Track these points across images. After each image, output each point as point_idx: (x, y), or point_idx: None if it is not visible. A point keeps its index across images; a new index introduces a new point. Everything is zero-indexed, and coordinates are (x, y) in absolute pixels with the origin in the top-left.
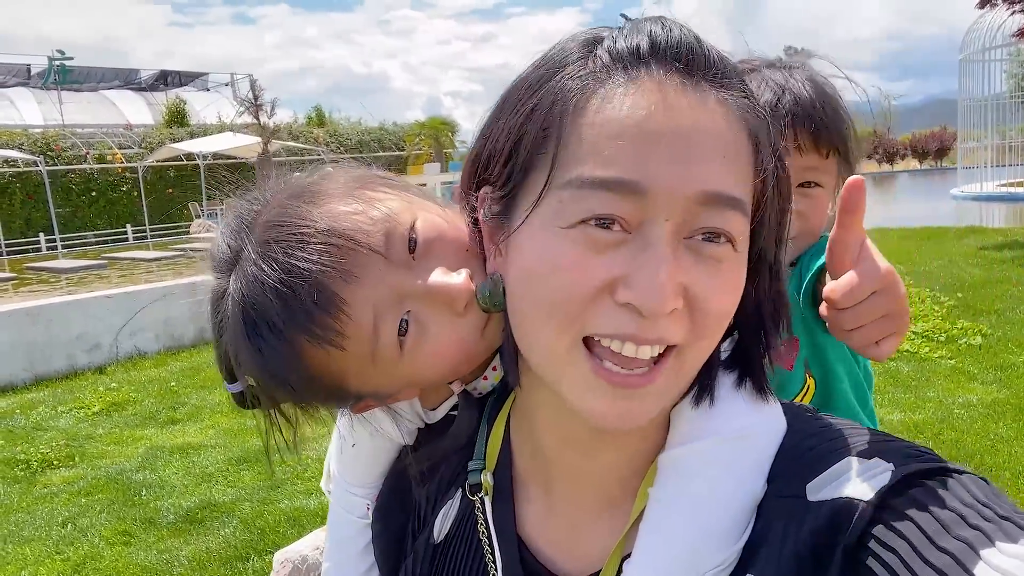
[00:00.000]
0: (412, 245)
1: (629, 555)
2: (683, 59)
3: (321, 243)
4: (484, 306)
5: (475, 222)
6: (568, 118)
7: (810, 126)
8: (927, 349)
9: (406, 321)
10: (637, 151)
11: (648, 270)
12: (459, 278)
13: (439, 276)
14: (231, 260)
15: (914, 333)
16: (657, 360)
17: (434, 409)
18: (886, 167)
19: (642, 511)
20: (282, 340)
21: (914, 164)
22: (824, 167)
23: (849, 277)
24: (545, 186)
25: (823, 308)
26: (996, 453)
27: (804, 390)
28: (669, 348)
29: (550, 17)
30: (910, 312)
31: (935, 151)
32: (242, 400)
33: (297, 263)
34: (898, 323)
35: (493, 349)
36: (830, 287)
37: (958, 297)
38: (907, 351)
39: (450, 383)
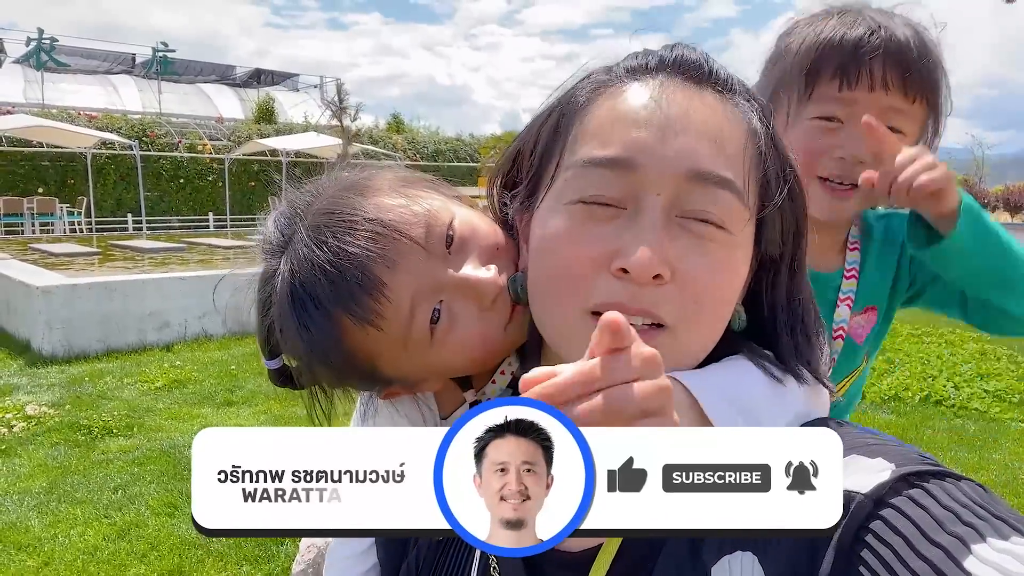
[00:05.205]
0: (449, 241)
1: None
2: (688, 70)
3: (368, 231)
4: (515, 297)
5: (507, 223)
6: (578, 112)
7: (900, 65)
8: (997, 409)
9: (438, 310)
10: (631, 133)
11: (636, 235)
12: (489, 273)
13: (471, 270)
14: (283, 243)
15: (984, 391)
16: (645, 330)
17: (446, 418)
18: None
19: None
20: (326, 316)
21: (1005, 217)
22: (909, 112)
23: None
24: (556, 168)
25: (878, 178)
26: None
27: (856, 372)
28: (659, 326)
29: (636, 42)
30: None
31: None
32: (278, 376)
33: (345, 247)
34: (946, 178)
35: (515, 346)
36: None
37: None
38: (976, 409)
39: (464, 391)
